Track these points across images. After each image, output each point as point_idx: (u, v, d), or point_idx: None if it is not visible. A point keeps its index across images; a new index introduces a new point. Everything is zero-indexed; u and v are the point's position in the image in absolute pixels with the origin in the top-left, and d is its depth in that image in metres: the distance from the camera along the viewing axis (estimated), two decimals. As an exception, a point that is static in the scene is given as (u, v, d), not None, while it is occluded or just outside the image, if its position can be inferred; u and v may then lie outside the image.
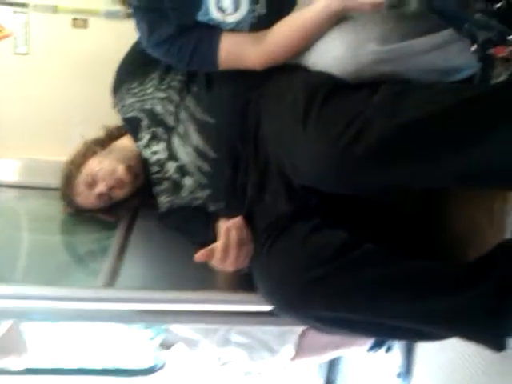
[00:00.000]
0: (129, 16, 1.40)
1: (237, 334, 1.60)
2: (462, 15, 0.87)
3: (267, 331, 1.62)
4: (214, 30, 1.12)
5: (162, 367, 1.80)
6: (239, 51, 1.12)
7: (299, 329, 1.61)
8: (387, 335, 1.22)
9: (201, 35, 1.12)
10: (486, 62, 0.87)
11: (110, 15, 1.52)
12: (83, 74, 1.57)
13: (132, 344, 1.85)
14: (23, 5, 1.50)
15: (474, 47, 0.87)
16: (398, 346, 1.57)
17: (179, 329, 1.60)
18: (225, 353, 1.60)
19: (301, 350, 1.61)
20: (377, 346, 1.62)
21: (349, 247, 0.96)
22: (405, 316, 0.94)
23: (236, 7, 1.08)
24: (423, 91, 0.91)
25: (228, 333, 1.59)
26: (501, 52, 0.85)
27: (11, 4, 1.50)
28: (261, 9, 1.09)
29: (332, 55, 1.00)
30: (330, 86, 0.98)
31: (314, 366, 1.86)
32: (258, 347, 1.61)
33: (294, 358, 1.61)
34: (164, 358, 1.76)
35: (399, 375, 1.57)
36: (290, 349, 1.60)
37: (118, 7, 1.49)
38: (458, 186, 1.09)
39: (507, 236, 1.04)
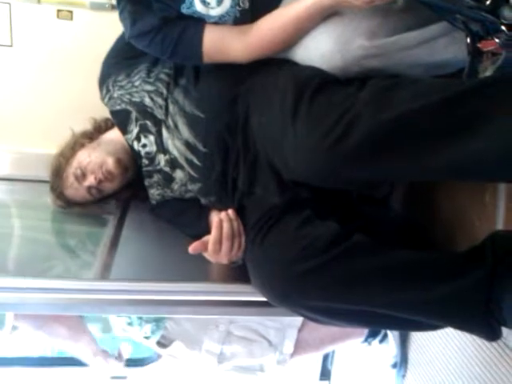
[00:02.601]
0: (114, 8, 1.37)
1: (238, 328, 1.61)
2: (452, 7, 0.87)
3: (268, 325, 1.63)
4: (197, 22, 1.10)
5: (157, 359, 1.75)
6: (223, 44, 1.10)
7: (298, 324, 1.62)
8: (381, 325, 1.23)
9: (184, 27, 1.10)
10: (475, 55, 0.87)
11: (96, 7, 1.49)
12: (69, 66, 1.55)
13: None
14: (5, -5, 1.47)
15: (468, 39, 0.86)
16: (392, 337, 1.58)
17: (178, 326, 1.60)
18: (226, 349, 1.60)
19: (299, 345, 1.62)
20: (371, 336, 1.63)
21: (340, 238, 0.97)
22: (397, 305, 0.95)
23: (219, 1, 1.07)
24: (411, 86, 0.90)
25: (229, 327, 1.61)
26: (489, 46, 0.85)
27: (-7, -6, 1.47)
28: (244, 3, 1.07)
29: (320, 51, 1.00)
30: (318, 82, 0.97)
31: (309, 359, 1.88)
32: (259, 342, 1.62)
33: (293, 355, 1.63)
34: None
35: (394, 365, 1.59)
36: (289, 345, 1.62)
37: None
38: (447, 180, 1.10)
39: (497, 227, 1.06)
